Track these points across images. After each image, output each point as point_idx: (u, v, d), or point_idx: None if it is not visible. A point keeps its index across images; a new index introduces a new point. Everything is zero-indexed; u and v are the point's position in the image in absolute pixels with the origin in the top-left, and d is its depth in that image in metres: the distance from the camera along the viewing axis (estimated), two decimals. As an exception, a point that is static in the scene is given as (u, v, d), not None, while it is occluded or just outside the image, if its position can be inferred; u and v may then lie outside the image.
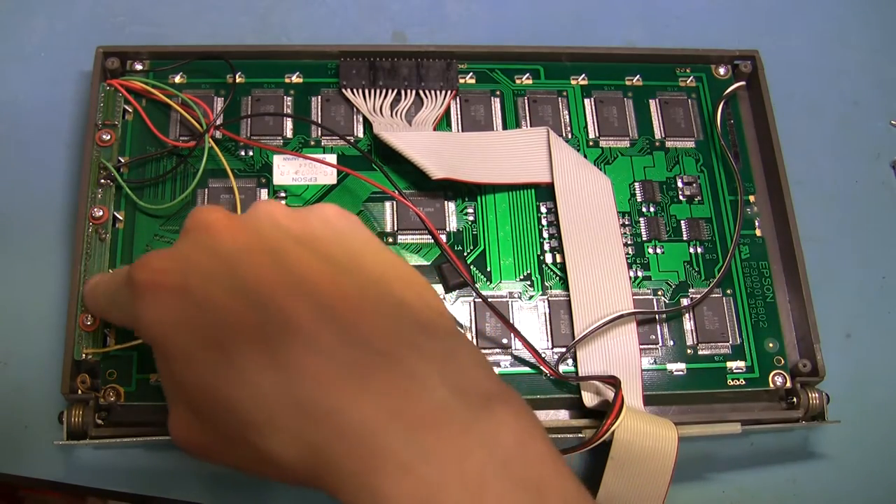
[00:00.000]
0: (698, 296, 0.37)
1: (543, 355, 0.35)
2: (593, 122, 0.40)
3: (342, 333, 0.23)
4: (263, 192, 0.37)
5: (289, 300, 0.23)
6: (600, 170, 0.39)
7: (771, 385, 0.36)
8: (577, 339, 0.35)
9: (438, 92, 0.39)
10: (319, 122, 0.39)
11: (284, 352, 0.23)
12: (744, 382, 0.36)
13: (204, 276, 0.24)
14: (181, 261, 0.25)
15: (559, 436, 0.34)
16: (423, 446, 0.22)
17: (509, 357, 0.35)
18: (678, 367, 0.36)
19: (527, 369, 0.35)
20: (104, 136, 0.37)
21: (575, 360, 0.35)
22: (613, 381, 0.33)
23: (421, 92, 0.39)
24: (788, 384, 0.36)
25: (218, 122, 0.38)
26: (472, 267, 0.37)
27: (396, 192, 0.36)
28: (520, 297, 0.36)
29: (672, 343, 0.36)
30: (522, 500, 0.21)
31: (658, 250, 0.38)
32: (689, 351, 0.36)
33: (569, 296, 0.36)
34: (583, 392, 0.34)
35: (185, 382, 0.24)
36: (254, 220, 0.26)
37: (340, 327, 0.23)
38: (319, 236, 0.26)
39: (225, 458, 0.25)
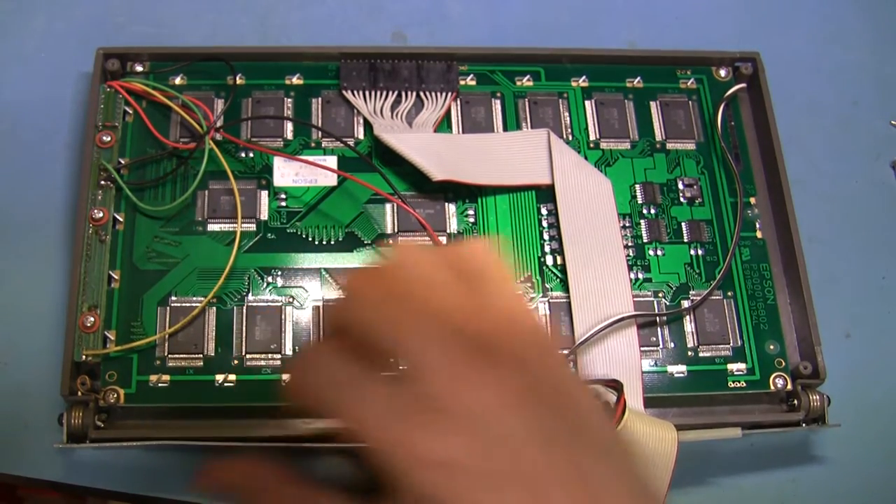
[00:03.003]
0: (699, 298, 0.37)
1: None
2: (594, 124, 0.40)
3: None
4: (264, 194, 0.37)
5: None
6: (601, 172, 0.39)
7: (771, 387, 0.36)
8: (577, 343, 0.35)
9: (439, 93, 0.39)
10: (320, 123, 0.39)
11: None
12: (744, 384, 0.36)
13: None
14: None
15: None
16: None
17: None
18: (679, 370, 0.36)
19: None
20: (104, 138, 0.37)
21: (575, 362, 0.35)
22: (615, 385, 0.33)
23: (421, 93, 0.39)
24: (789, 386, 0.36)
25: (218, 123, 0.38)
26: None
27: (395, 195, 0.36)
28: (520, 299, 0.36)
29: (673, 345, 0.36)
30: None
31: (658, 252, 0.38)
32: (689, 353, 0.36)
33: (569, 297, 0.36)
34: (583, 394, 0.34)
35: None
36: None
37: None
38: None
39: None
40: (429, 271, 0.22)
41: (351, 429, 0.21)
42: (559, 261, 0.37)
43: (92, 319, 0.34)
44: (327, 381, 0.22)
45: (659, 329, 0.36)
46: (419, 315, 0.21)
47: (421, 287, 0.22)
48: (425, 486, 0.19)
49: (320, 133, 0.39)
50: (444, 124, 0.39)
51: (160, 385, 0.34)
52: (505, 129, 0.40)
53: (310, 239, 0.37)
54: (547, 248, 0.37)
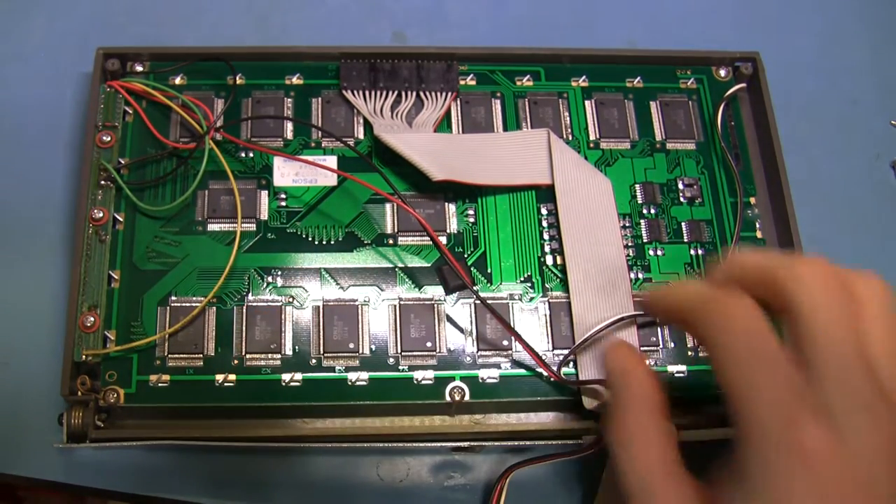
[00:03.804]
0: (698, 297, 0.37)
1: (544, 357, 0.35)
2: (594, 124, 0.40)
3: None
4: (264, 194, 0.37)
5: None
6: (601, 171, 0.39)
7: (771, 387, 0.36)
8: (576, 344, 0.35)
9: (439, 93, 0.39)
10: (320, 123, 0.39)
11: None
12: (744, 384, 0.36)
13: None
14: None
15: (559, 441, 0.34)
16: None
17: (509, 359, 0.35)
18: (679, 370, 0.36)
19: (527, 371, 0.35)
20: (104, 138, 0.37)
21: (575, 362, 0.35)
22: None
23: (421, 93, 0.39)
24: (788, 386, 0.36)
25: (218, 123, 0.38)
26: (472, 269, 0.37)
27: (395, 195, 0.36)
28: (520, 299, 0.36)
29: (672, 345, 0.36)
30: None
31: (658, 252, 0.38)
32: (689, 353, 0.36)
33: (569, 297, 0.36)
34: (583, 395, 0.34)
35: None
36: None
37: None
38: None
39: None
40: None
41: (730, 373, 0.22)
42: (559, 261, 0.37)
43: (92, 319, 0.34)
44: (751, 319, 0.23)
45: (659, 329, 0.36)
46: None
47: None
48: (786, 472, 0.21)
49: (320, 133, 0.39)
50: (444, 124, 0.39)
51: (160, 385, 0.34)
52: (505, 129, 0.40)
53: (310, 239, 0.37)
54: (547, 248, 0.37)
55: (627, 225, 0.38)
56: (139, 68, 0.39)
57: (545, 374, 0.35)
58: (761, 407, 0.22)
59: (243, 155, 0.38)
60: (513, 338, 0.35)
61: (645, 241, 0.38)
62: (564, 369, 0.35)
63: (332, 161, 0.38)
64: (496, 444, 0.35)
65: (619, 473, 0.24)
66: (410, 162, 0.37)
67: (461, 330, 0.36)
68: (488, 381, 0.35)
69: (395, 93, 0.39)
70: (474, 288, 0.35)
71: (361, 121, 0.39)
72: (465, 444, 0.35)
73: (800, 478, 0.21)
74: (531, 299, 0.36)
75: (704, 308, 0.24)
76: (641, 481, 0.23)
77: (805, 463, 0.20)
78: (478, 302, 0.36)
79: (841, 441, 0.21)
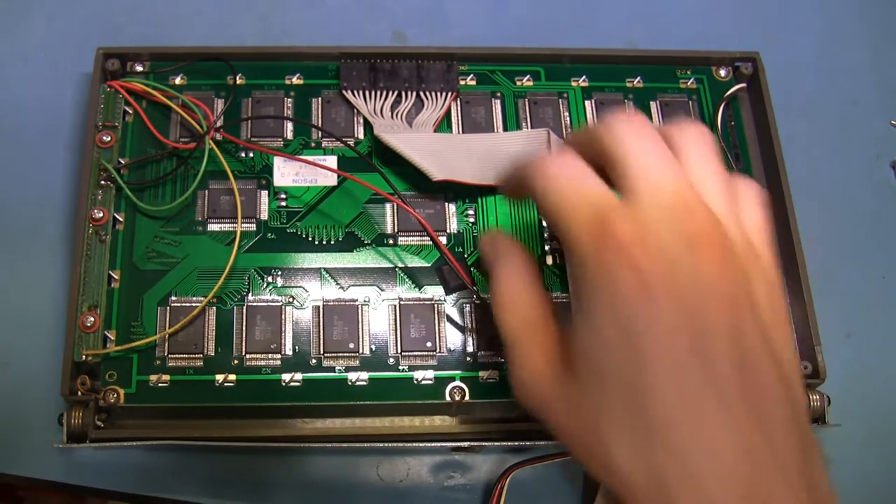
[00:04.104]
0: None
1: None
2: (594, 124, 0.40)
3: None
4: (264, 194, 0.37)
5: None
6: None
7: (771, 387, 0.36)
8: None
9: (439, 93, 0.39)
10: (320, 123, 0.39)
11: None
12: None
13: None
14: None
15: (558, 441, 0.34)
16: None
17: (509, 359, 0.35)
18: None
19: (527, 371, 0.35)
20: (104, 138, 0.37)
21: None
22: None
23: (421, 93, 0.39)
24: (788, 386, 0.36)
25: (218, 123, 0.38)
26: (472, 269, 0.37)
27: (395, 195, 0.36)
28: (520, 299, 0.36)
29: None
30: None
31: (658, 252, 0.38)
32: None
33: (569, 298, 0.36)
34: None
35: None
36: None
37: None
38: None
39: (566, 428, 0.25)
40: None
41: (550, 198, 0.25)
42: (559, 261, 0.37)
43: (92, 319, 0.34)
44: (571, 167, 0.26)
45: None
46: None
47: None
48: (608, 261, 0.23)
49: (320, 133, 0.39)
50: (444, 124, 0.39)
51: (160, 385, 0.34)
52: (505, 128, 0.40)
53: (310, 239, 0.37)
54: (547, 248, 0.37)
55: (627, 225, 0.38)
56: (139, 68, 0.39)
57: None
58: (580, 214, 0.24)
59: (243, 155, 0.38)
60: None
61: (645, 241, 0.38)
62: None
63: (332, 161, 0.38)
64: (496, 444, 0.35)
65: (498, 328, 0.28)
66: (410, 162, 0.37)
67: (461, 330, 0.36)
68: (488, 381, 0.35)
69: (395, 93, 0.39)
70: (474, 288, 0.35)
71: (361, 121, 0.39)
72: (465, 444, 0.35)
73: (616, 264, 0.23)
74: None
75: (532, 164, 0.27)
76: (509, 334, 0.27)
77: (620, 252, 0.23)
78: (478, 302, 0.36)
79: (648, 233, 0.23)
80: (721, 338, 0.23)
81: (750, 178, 0.28)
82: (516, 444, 0.35)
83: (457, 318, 0.36)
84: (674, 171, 0.25)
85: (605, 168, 0.26)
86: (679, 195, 0.24)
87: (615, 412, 0.23)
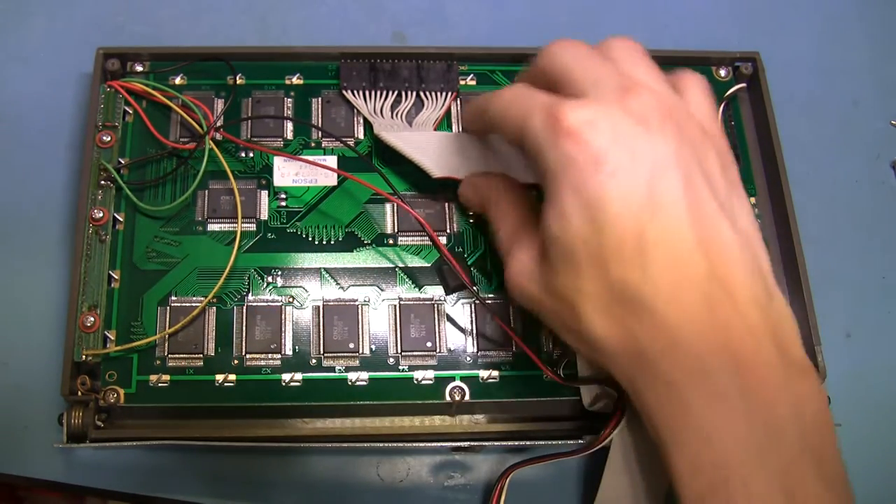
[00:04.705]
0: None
1: (544, 357, 0.35)
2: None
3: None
4: (264, 194, 0.37)
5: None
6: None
7: (771, 387, 0.36)
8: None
9: (439, 93, 0.39)
10: (320, 123, 0.39)
11: None
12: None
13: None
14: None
15: (559, 441, 0.34)
16: (743, 384, 0.24)
17: (509, 359, 0.35)
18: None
19: (526, 371, 0.35)
20: (104, 138, 0.37)
21: (575, 362, 0.35)
22: (615, 386, 0.33)
23: (421, 93, 0.39)
24: (788, 386, 0.36)
25: (218, 123, 0.38)
26: (472, 269, 0.37)
27: (395, 195, 0.36)
28: (520, 299, 0.36)
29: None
30: (807, 462, 0.24)
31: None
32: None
33: None
34: (583, 394, 0.34)
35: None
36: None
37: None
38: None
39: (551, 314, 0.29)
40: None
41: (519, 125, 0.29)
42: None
43: (92, 319, 0.34)
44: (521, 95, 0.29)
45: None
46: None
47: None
48: (566, 152, 0.26)
49: (320, 133, 0.39)
50: (444, 124, 0.39)
51: (160, 385, 0.34)
52: (505, 128, 0.40)
53: (310, 239, 0.37)
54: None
55: (627, 225, 0.38)
56: (139, 68, 0.39)
57: (545, 374, 0.35)
58: (535, 113, 0.27)
59: (243, 155, 0.38)
60: (513, 338, 0.35)
61: (645, 241, 0.38)
62: (564, 369, 0.35)
63: (332, 161, 0.38)
64: (496, 444, 0.35)
65: (495, 242, 0.33)
66: (410, 159, 0.37)
67: (461, 330, 0.36)
68: (488, 381, 0.35)
69: (395, 93, 0.39)
70: (474, 288, 0.35)
71: (361, 121, 0.39)
72: (465, 444, 0.35)
73: (572, 147, 0.26)
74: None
75: (488, 94, 0.31)
76: (502, 246, 0.32)
77: (573, 136, 0.26)
78: (478, 302, 0.36)
79: (598, 117, 0.26)
80: (678, 206, 0.25)
81: (689, 70, 0.31)
82: (516, 444, 0.35)
83: (457, 318, 0.36)
84: (611, 68, 0.28)
85: (554, 90, 0.29)
86: (622, 85, 0.27)
87: (586, 286, 0.26)
